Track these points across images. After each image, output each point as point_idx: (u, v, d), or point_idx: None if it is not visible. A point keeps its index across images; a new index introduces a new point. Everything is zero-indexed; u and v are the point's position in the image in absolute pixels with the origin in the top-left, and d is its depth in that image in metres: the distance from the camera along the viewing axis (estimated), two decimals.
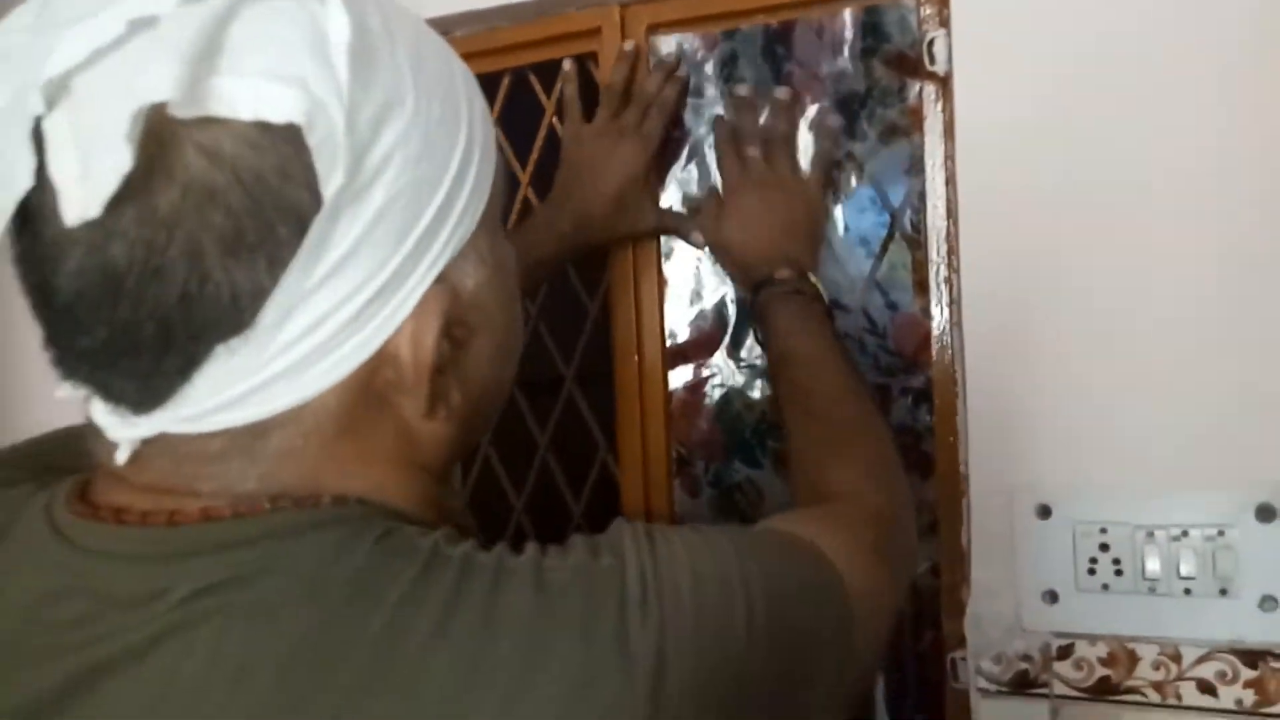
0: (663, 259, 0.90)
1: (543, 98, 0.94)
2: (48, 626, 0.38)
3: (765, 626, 0.39)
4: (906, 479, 0.64)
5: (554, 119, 0.93)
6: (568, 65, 0.88)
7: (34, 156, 0.33)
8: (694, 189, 0.89)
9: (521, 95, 0.95)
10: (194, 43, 0.33)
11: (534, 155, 0.96)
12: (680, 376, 0.90)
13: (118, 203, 0.32)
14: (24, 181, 0.34)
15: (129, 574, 0.38)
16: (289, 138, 0.34)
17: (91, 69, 0.33)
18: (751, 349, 0.88)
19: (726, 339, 0.89)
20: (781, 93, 0.82)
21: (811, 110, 0.83)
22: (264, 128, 0.34)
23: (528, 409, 0.99)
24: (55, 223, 0.34)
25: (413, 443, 0.42)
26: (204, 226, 0.34)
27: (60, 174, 0.33)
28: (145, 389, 0.37)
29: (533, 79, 0.94)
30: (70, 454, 0.44)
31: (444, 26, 0.93)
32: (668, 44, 0.88)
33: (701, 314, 0.90)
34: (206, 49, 0.33)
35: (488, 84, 0.93)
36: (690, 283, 0.90)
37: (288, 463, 0.38)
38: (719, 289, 0.89)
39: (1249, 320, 0.68)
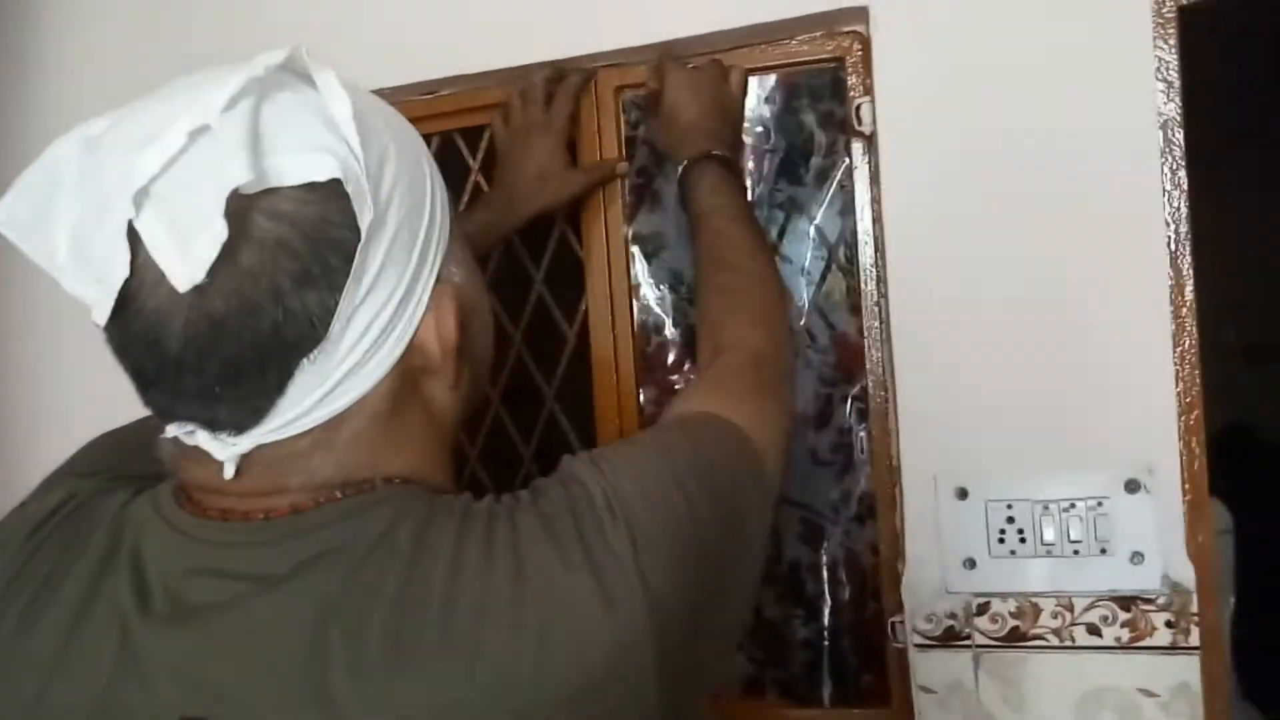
0: (633, 291, 1.03)
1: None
2: (184, 594, 0.48)
3: (702, 500, 0.51)
4: (786, 318, 0.77)
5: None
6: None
7: (128, 252, 0.42)
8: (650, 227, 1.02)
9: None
10: (245, 137, 0.42)
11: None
12: (650, 391, 1.03)
13: (213, 267, 0.41)
14: (122, 273, 0.42)
15: (242, 558, 0.48)
16: (329, 191, 0.44)
17: (166, 174, 0.42)
18: None
19: (689, 360, 1.02)
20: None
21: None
22: (310, 187, 0.44)
23: (512, 424, 1.10)
24: (156, 297, 0.43)
25: (434, 418, 0.53)
26: (279, 270, 0.43)
27: (163, 257, 0.42)
28: (247, 410, 0.46)
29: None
30: (138, 463, 0.55)
31: (434, 88, 1.04)
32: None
33: (668, 338, 1.03)
34: (253, 140, 0.43)
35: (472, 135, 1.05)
36: (659, 310, 1.03)
37: (356, 446, 0.49)
38: (684, 318, 1.03)
39: (1125, 339, 0.85)
